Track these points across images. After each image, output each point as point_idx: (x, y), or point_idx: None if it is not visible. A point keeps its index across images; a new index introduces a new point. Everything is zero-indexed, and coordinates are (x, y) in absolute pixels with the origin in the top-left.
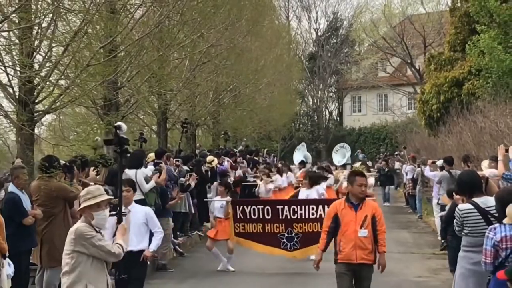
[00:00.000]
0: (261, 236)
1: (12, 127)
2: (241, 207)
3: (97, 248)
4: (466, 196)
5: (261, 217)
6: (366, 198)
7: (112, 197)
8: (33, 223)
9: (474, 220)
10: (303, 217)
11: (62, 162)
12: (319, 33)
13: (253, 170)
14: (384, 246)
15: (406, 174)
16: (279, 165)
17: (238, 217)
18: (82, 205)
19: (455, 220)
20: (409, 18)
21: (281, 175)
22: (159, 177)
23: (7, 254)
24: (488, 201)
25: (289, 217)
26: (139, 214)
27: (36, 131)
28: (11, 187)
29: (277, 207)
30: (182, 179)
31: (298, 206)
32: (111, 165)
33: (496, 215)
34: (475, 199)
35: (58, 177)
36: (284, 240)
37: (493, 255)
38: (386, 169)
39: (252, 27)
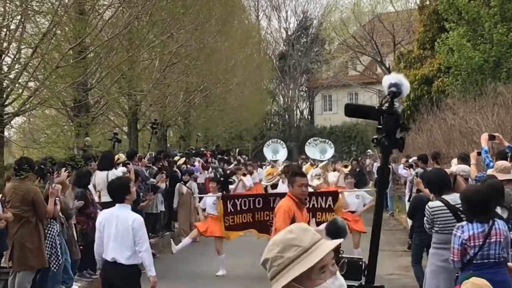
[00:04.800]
0: (251, 224)
1: None
2: (232, 200)
3: None
4: (436, 194)
5: (251, 207)
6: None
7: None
8: (4, 227)
9: (444, 217)
10: None
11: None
12: (289, 32)
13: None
14: None
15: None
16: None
17: (229, 210)
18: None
19: (425, 218)
20: (379, 17)
21: (250, 175)
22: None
23: None
24: (457, 198)
25: None
26: (129, 220)
27: (5, 133)
28: None
29: (269, 198)
30: (152, 180)
31: None
32: (81, 167)
33: None
34: (445, 197)
35: (32, 180)
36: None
37: (461, 253)
38: (358, 169)
39: (221, 27)
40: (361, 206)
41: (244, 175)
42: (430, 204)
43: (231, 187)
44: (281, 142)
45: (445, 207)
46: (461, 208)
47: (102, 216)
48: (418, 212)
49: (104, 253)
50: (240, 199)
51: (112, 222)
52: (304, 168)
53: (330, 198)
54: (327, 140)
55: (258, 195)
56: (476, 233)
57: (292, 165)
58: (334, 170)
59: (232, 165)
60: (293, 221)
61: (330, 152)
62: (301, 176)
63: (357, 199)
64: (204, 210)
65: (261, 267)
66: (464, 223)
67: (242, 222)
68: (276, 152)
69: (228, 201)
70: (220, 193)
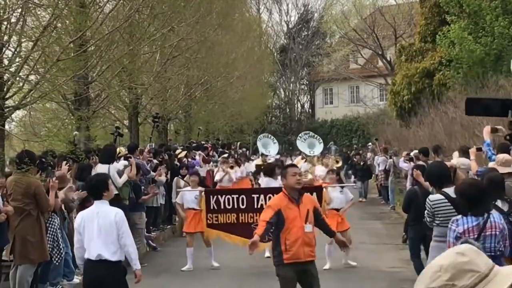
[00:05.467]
0: (234, 226)
1: None
2: (215, 196)
3: None
4: (436, 187)
5: (235, 206)
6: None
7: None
8: (5, 220)
9: (445, 210)
10: None
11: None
12: (290, 26)
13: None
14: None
15: (378, 165)
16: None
17: (212, 207)
18: None
19: (426, 211)
20: (380, 10)
21: (239, 166)
22: (130, 171)
23: None
24: None
25: (264, 207)
26: (111, 215)
27: (6, 127)
28: None
29: (253, 196)
30: (153, 173)
31: (275, 194)
32: (82, 161)
33: None
34: (445, 189)
35: (33, 173)
36: None
37: None
38: (362, 163)
39: (222, 20)
40: (344, 202)
41: (232, 168)
42: (431, 197)
43: (216, 178)
44: (272, 137)
45: (446, 200)
46: None
47: (81, 217)
48: (412, 205)
49: (86, 253)
50: (224, 196)
51: (93, 220)
52: (295, 161)
53: (314, 194)
54: (316, 135)
55: (242, 191)
56: (470, 227)
57: (270, 163)
58: (323, 164)
59: (221, 157)
60: (279, 217)
61: (319, 147)
62: (292, 167)
63: (341, 194)
64: (181, 205)
65: (259, 261)
66: (459, 216)
67: (226, 223)
68: (266, 146)
69: (212, 197)
70: (201, 188)
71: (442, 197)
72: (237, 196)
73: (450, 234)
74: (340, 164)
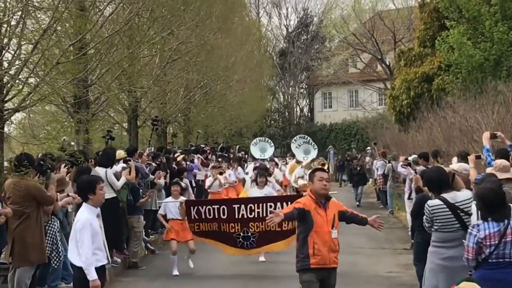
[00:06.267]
0: (218, 234)
1: None
2: (196, 207)
3: None
4: (435, 192)
5: (216, 217)
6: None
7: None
8: (4, 222)
9: (443, 216)
10: (261, 215)
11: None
12: (289, 30)
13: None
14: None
15: (377, 170)
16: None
17: (193, 217)
18: None
19: (424, 217)
20: (379, 14)
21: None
22: (129, 174)
23: None
24: (457, 196)
25: (245, 216)
26: (76, 221)
27: (5, 129)
28: None
29: (233, 206)
30: (151, 176)
31: (256, 204)
32: (81, 164)
33: (466, 209)
34: (444, 195)
35: (32, 176)
36: (240, 239)
37: (476, 251)
38: (359, 168)
39: (222, 24)
40: None
41: (221, 173)
42: (430, 202)
43: (207, 185)
44: (269, 140)
45: (445, 206)
46: (460, 206)
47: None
48: (422, 211)
49: None
50: (204, 207)
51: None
52: (289, 165)
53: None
54: (310, 140)
55: (223, 202)
56: (492, 232)
57: (260, 164)
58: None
59: (212, 164)
60: (308, 218)
61: (314, 153)
62: (319, 171)
63: None
64: (164, 216)
65: (261, 265)
66: (480, 221)
67: (208, 230)
68: (264, 150)
69: (192, 208)
70: (182, 198)
71: (441, 202)
72: (217, 206)
73: (471, 239)
74: (326, 166)
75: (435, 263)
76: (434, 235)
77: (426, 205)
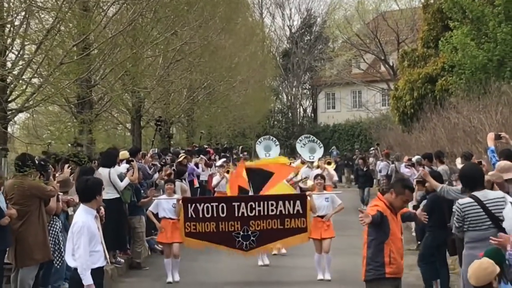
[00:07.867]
0: (214, 235)
1: None
2: (194, 205)
3: None
4: (467, 190)
5: (215, 215)
6: None
7: None
8: (8, 223)
9: (474, 214)
10: (261, 213)
11: (37, 160)
12: (292, 30)
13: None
14: None
15: (380, 171)
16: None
17: (190, 216)
18: None
19: (455, 217)
20: (383, 15)
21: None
22: (132, 174)
23: None
24: (488, 194)
25: (245, 214)
26: (74, 223)
27: (9, 129)
28: None
29: (233, 204)
30: (155, 176)
31: (256, 203)
32: (85, 164)
33: (498, 207)
34: (475, 193)
35: (33, 176)
36: (240, 238)
37: None
38: (365, 169)
39: (225, 25)
40: (331, 209)
41: (228, 172)
42: (460, 201)
43: (213, 183)
44: (274, 139)
45: (476, 203)
46: (491, 205)
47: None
48: (434, 211)
49: None
50: (202, 204)
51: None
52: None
53: (298, 203)
54: (316, 140)
55: (221, 199)
56: None
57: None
58: (319, 167)
59: (220, 161)
60: (385, 224)
61: (320, 151)
62: (410, 191)
63: (326, 202)
64: (155, 215)
65: (262, 269)
66: None
67: (205, 232)
68: (269, 149)
69: (189, 205)
70: (178, 196)
71: (472, 200)
72: (216, 204)
73: None
74: (332, 165)
75: None
76: (466, 235)
77: (456, 204)
